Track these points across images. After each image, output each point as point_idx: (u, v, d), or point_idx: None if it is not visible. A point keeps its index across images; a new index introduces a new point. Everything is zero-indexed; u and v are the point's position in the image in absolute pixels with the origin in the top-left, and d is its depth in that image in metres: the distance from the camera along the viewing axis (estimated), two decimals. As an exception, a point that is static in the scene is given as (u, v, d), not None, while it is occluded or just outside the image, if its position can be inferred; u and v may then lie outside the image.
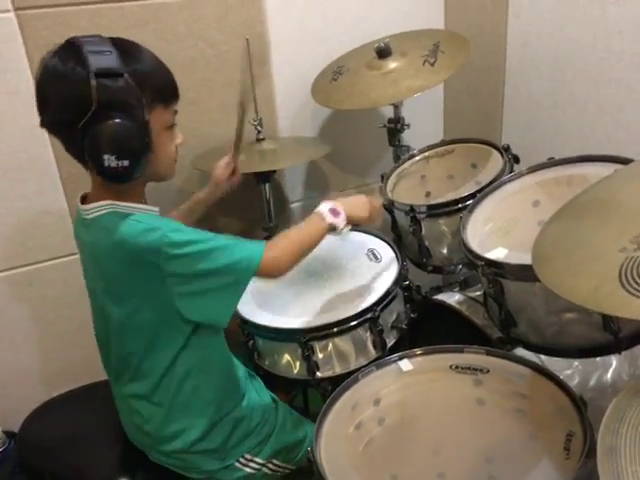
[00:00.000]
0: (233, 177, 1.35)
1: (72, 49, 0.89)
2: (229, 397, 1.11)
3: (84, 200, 1.02)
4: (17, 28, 1.28)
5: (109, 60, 0.88)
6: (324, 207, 1.10)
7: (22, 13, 1.28)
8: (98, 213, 0.97)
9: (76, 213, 1.04)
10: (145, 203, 1.03)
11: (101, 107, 0.87)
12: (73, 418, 1.28)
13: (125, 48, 0.93)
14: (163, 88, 0.97)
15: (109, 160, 0.89)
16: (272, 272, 1.02)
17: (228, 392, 1.11)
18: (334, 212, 1.09)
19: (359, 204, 1.17)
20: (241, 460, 1.12)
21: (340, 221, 1.09)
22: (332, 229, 1.09)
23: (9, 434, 1.42)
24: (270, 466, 1.16)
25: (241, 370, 1.19)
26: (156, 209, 1.03)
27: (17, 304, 1.46)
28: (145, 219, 0.95)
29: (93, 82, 0.86)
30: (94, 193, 1.01)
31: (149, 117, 0.92)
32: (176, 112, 1.01)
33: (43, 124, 0.94)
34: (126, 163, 0.90)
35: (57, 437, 1.24)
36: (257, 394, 1.18)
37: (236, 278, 0.97)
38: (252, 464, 1.13)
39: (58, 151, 1.38)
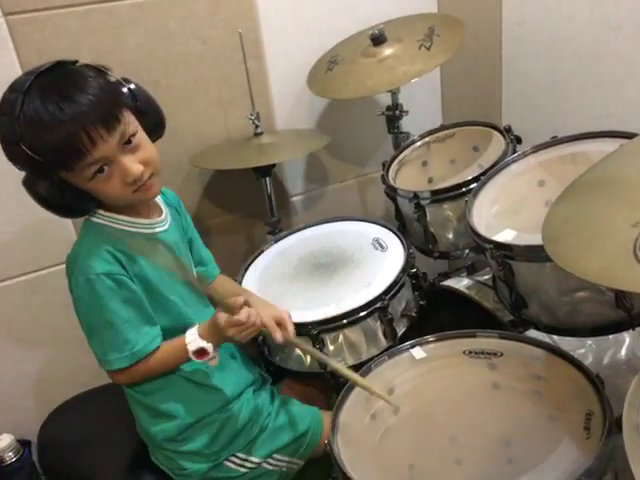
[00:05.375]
0: None
1: None
2: (204, 401, 1.09)
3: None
4: (7, 34, 1.27)
5: (8, 128, 0.86)
6: (193, 344, 0.98)
7: (11, 18, 1.27)
8: (88, 218, 1.02)
9: None
10: (140, 213, 1.03)
11: (22, 169, 0.91)
12: (89, 419, 1.31)
13: (30, 108, 0.84)
14: (56, 154, 0.86)
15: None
16: (117, 381, 1.04)
17: (200, 397, 1.09)
18: (201, 353, 0.98)
19: (226, 337, 1.00)
20: (233, 460, 1.10)
21: (202, 362, 1.00)
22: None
23: (23, 442, 1.41)
24: (271, 461, 1.13)
25: (234, 379, 1.14)
26: (148, 222, 1.05)
27: (23, 312, 1.45)
28: (84, 250, 0.98)
29: (5, 150, 0.89)
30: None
31: (64, 175, 0.90)
32: (103, 160, 0.90)
33: None
34: (53, 212, 0.95)
35: (73, 439, 1.26)
36: (252, 394, 1.15)
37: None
38: (248, 463, 1.11)
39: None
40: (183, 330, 1.02)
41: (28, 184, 0.93)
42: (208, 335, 0.99)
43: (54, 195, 0.91)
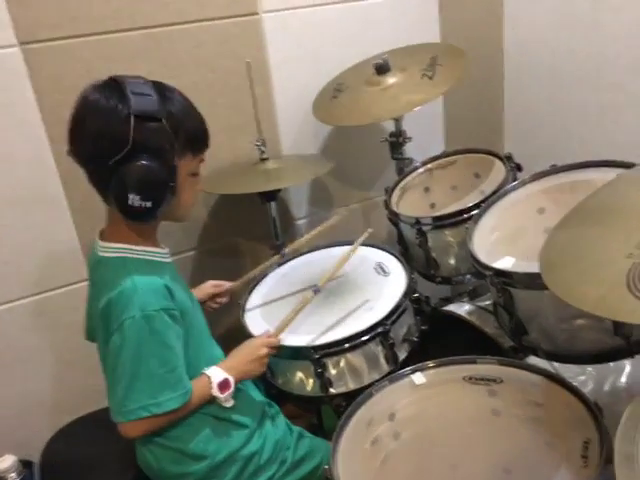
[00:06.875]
0: (218, 299, 1.34)
1: (116, 87, 0.93)
2: (231, 437, 1.09)
3: (102, 235, 1.04)
4: (22, 62, 1.31)
5: (150, 103, 0.92)
6: (216, 376, 1.03)
7: (27, 47, 1.31)
8: (110, 254, 1.01)
9: (92, 246, 1.07)
10: (156, 243, 1.07)
11: (135, 147, 0.91)
12: (92, 441, 1.31)
13: (164, 93, 0.96)
14: (195, 137, 1.01)
15: (133, 200, 0.92)
16: (125, 434, 0.99)
17: (226, 433, 1.09)
18: (224, 386, 1.03)
19: (251, 361, 1.10)
20: None
21: (223, 397, 1.02)
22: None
23: (26, 463, 1.41)
24: None
25: (251, 410, 1.15)
26: (166, 251, 1.08)
27: (29, 333, 1.47)
28: (140, 286, 0.95)
29: (132, 123, 0.89)
30: (111, 230, 1.03)
31: (178, 163, 0.96)
32: (202, 161, 1.05)
33: (73, 153, 0.96)
34: (149, 204, 0.94)
35: (76, 460, 1.26)
36: (272, 427, 1.16)
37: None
38: None
39: (67, 181, 1.40)
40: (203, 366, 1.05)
41: (133, 164, 0.91)
42: (229, 366, 1.05)
43: (163, 175, 0.93)
